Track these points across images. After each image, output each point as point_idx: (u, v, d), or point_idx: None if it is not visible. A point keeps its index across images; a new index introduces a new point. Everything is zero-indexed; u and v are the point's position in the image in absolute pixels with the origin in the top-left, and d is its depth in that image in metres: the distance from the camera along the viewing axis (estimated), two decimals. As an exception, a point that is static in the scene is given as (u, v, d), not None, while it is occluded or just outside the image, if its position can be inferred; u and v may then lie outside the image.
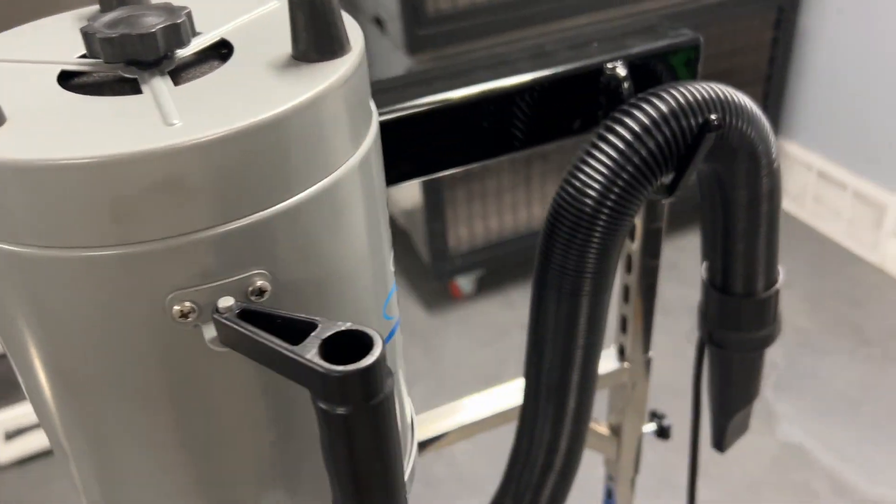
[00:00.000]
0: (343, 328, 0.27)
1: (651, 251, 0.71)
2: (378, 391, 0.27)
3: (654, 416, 0.86)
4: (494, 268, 2.62)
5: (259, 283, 0.30)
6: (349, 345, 0.27)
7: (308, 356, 0.26)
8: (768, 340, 0.70)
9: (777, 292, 0.68)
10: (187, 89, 0.32)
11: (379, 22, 2.29)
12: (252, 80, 0.31)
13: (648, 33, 0.59)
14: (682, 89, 0.54)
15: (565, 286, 0.57)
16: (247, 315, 0.29)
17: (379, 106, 0.50)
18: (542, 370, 0.62)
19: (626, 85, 0.56)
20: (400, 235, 2.98)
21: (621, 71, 0.56)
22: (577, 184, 0.54)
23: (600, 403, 0.93)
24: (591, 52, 0.57)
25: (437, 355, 2.39)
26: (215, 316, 0.29)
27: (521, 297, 2.59)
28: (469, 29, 2.14)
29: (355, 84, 0.33)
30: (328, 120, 0.31)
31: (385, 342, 0.39)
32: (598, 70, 0.57)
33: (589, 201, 0.54)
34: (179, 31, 0.31)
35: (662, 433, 0.84)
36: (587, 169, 0.54)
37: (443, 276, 2.45)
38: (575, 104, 0.58)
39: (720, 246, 0.65)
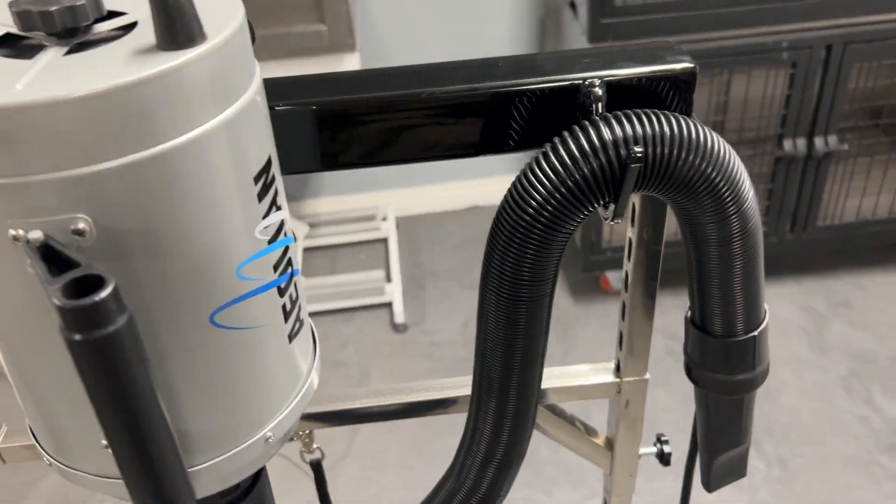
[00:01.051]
0: (89, 272, 0.33)
1: (650, 272, 0.70)
2: (105, 324, 0.33)
3: (659, 440, 0.84)
4: (649, 269, 2.55)
5: (80, 225, 0.37)
6: (94, 284, 0.33)
7: (52, 288, 0.33)
8: (748, 386, 0.66)
9: (757, 337, 0.64)
10: (66, 59, 0.39)
11: (573, 6, 2.29)
12: (113, 60, 0.38)
13: (644, 57, 0.58)
14: (621, 118, 0.53)
15: (503, 290, 0.59)
16: (46, 249, 0.36)
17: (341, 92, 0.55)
18: (485, 368, 0.64)
19: (599, 105, 0.56)
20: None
21: (598, 91, 0.56)
22: (517, 193, 0.56)
23: (601, 415, 0.92)
24: (576, 67, 0.57)
25: (570, 345, 2.39)
26: (24, 245, 0.36)
27: (671, 303, 2.50)
28: (653, 24, 2.08)
29: (193, 73, 0.38)
30: (151, 102, 0.37)
31: (237, 300, 0.44)
32: (576, 87, 0.57)
33: (527, 212, 0.55)
34: (76, 12, 0.39)
35: (662, 458, 0.82)
36: (528, 180, 0.55)
37: (591, 267, 2.43)
38: (550, 118, 0.58)
39: (695, 283, 0.62)
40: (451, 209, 3.03)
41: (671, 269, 2.55)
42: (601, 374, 0.77)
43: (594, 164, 0.53)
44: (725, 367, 0.65)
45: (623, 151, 0.52)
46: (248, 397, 0.48)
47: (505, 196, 0.57)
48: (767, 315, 0.66)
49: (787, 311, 2.49)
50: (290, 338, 0.50)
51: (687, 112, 0.59)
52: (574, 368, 0.78)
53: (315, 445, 0.79)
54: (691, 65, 0.58)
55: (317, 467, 0.81)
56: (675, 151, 0.53)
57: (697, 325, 0.65)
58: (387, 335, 2.50)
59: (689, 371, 0.69)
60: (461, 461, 0.69)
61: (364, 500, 1.97)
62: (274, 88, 0.57)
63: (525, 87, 0.58)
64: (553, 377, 0.77)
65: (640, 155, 0.52)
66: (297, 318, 0.51)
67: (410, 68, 0.59)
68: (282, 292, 0.48)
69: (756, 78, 2.22)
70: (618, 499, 0.85)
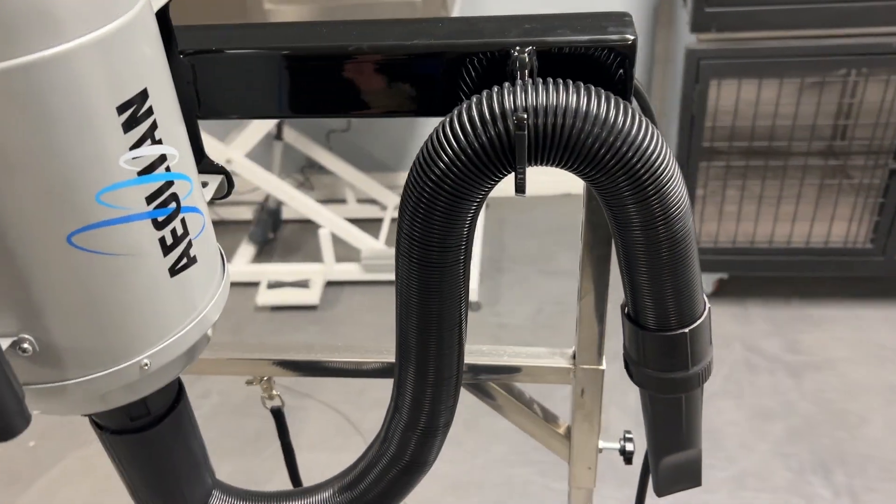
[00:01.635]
0: None
1: (601, 255, 0.66)
2: None
3: (624, 437, 0.80)
4: (738, 275, 2.41)
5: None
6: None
7: None
8: (684, 385, 0.61)
9: (691, 333, 0.59)
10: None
11: (683, -9, 2.19)
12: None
13: (584, 26, 0.54)
14: (520, 87, 0.50)
15: (414, 255, 0.57)
16: None
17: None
18: (403, 334, 0.63)
19: (526, 72, 0.53)
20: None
21: (526, 57, 0.53)
22: (422, 159, 0.54)
23: (565, 405, 0.88)
24: (512, 32, 0.55)
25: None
26: None
27: (759, 314, 2.36)
28: (761, 16, 1.95)
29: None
30: (16, 11, 0.38)
31: (98, 225, 0.46)
32: (507, 53, 0.54)
33: (431, 178, 0.54)
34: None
35: (624, 454, 0.78)
36: (433, 146, 0.53)
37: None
38: (485, 83, 0.56)
39: (624, 271, 0.58)
40: (543, 195, 2.98)
41: (761, 277, 2.41)
42: (557, 358, 0.74)
43: (492, 132, 0.51)
44: (659, 364, 0.61)
45: (511, 123, 0.50)
46: (118, 322, 0.49)
47: (414, 160, 0.56)
48: (708, 312, 0.61)
49: (890, 337, 2.29)
50: (173, 272, 0.51)
51: (625, 87, 0.56)
52: (532, 350, 0.76)
53: (275, 392, 0.81)
54: (630, 37, 0.54)
55: (277, 414, 0.83)
56: (574, 122, 0.50)
57: (631, 317, 0.61)
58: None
59: (627, 367, 0.65)
60: (386, 427, 0.69)
61: (408, 467, 2.00)
62: (217, 33, 0.59)
63: (459, 49, 0.56)
64: (508, 356, 0.75)
65: (523, 123, 0.49)
66: (185, 255, 0.52)
67: (347, 23, 0.58)
68: (159, 225, 0.49)
69: (875, 82, 2.04)
70: (577, 491, 0.82)
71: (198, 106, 0.59)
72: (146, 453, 0.62)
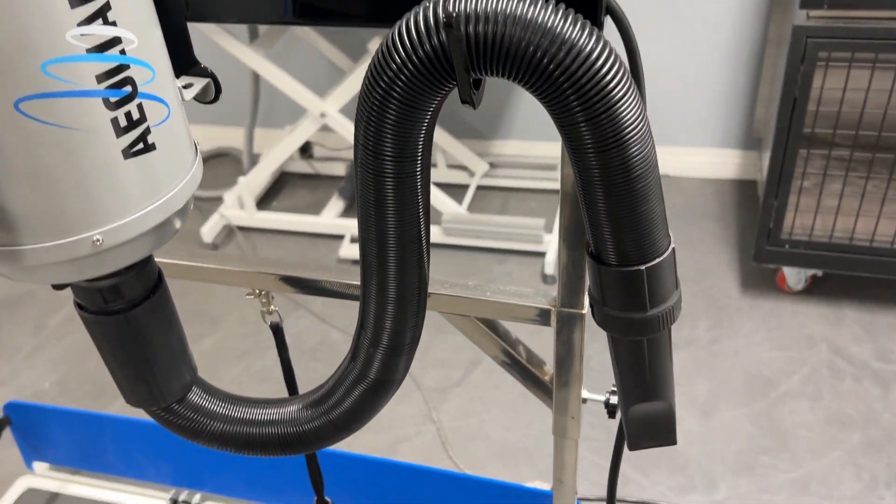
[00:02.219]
0: None
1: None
2: None
3: (611, 390, 0.77)
4: (833, 273, 2.25)
5: None
6: None
7: None
8: (643, 327, 0.58)
9: (650, 270, 0.56)
10: None
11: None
12: None
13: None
14: None
15: (368, 165, 0.57)
16: None
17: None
18: (364, 249, 0.63)
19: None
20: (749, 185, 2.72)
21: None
22: (373, 67, 0.53)
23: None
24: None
25: (722, 334, 2.21)
26: None
27: (851, 317, 2.20)
28: (878, -8, 1.80)
29: None
30: None
31: (44, 95, 0.49)
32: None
33: (380, 86, 0.53)
34: None
35: (608, 407, 0.75)
36: (382, 54, 0.52)
37: (764, 258, 2.20)
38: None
39: (582, 200, 0.55)
40: (638, 174, 2.89)
41: (858, 278, 2.24)
42: (538, 298, 0.72)
43: (435, 41, 0.50)
44: (617, 303, 0.58)
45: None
46: (68, 195, 0.52)
47: (367, 68, 0.55)
48: (671, 252, 0.58)
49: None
50: (127, 154, 0.53)
51: (593, 5, 0.52)
52: (515, 289, 0.74)
53: (273, 308, 0.83)
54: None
55: (276, 329, 0.85)
56: (516, 30, 0.48)
57: (592, 254, 0.58)
58: (534, 283, 2.47)
59: (591, 308, 0.62)
60: (353, 345, 0.69)
61: (462, 427, 2.01)
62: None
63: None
64: (492, 292, 0.73)
65: (456, 23, 0.48)
66: (142, 140, 0.54)
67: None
68: (112, 106, 0.51)
69: None
70: (560, 440, 0.79)
71: (186, 7, 0.61)
72: (121, 338, 0.65)
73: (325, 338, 2.30)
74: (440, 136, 2.72)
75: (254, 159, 2.83)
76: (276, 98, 2.96)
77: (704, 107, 2.68)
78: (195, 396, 0.72)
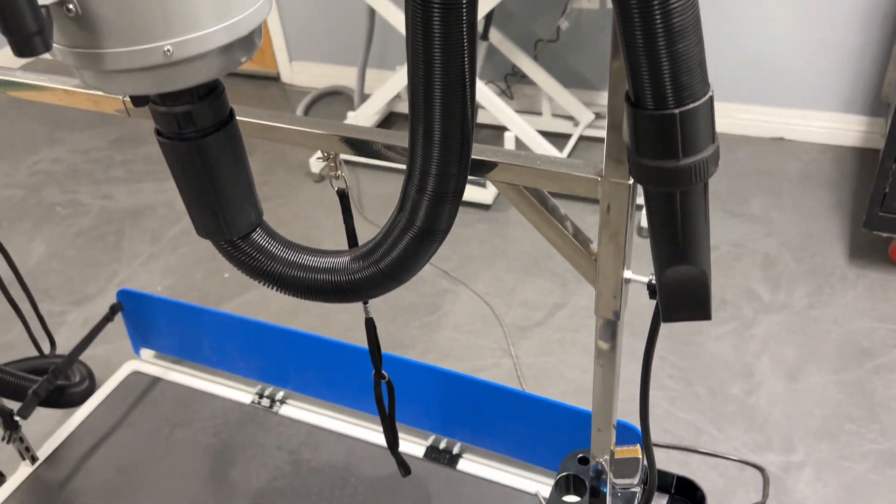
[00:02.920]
0: None
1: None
2: None
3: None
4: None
5: None
6: None
7: None
8: (674, 177, 0.57)
9: (685, 115, 0.55)
10: None
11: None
12: None
13: None
14: None
15: (417, -3, 0.59)
16: None
17: None
18: (413, 92, 0.65)
19: None
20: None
21: None
22: None
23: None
24: None
25: (822, 300, 2.11)
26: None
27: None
28: None
29: None
30: None
31: None
32: None
33: None
34: None
35: (651, 289, 0.75)
36: None
37: (875, 225, 2.09)
38: None
39: (622, 43, 0.55)
40: (751, 135, 2.77)
41: None
42: (585, 168, 0.73)
43: None
44: (650, 150, 0.58)
45: None
46: (147, 2, 0.58)
47: None
48: (709, 98, 0.57)
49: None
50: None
51: None
52: (563, 160, 0.75)
53: (341, 172, 0.87)
54: None
55: (342, 196, 0.89)
56: None
57: (629, 98, 0.58)
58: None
59: (629, 161, 0.62)
60: (402, 194, 0.72)
61: (539, 364, 2.02)
62: None
63: None
64: (537, 161, 0.75)
65: None
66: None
67: None
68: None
69: None
70: (602, 321, 0.80)
71: None
72: (192, 165, 0.71)
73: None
74: (549, 84, 2.71)
75: (364, 98, 2.92)
76: (389, 39, 3.03)
77: (829, 68, 2.54)
78: (259, 237, 0.78)
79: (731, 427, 1.81)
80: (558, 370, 2.01)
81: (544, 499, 0.92)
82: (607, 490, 0.92)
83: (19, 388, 1.65)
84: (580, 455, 1.00)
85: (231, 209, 0.75)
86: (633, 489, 0.97)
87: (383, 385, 1.01)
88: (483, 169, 0.76)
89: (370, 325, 0.97)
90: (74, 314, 2.31)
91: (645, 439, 0.82)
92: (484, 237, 2.48)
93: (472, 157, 0.74)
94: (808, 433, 1.77)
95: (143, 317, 1.80)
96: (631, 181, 0.70)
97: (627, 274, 0.76)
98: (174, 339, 1.80)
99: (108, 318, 1.76)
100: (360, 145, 0.82)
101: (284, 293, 0.80)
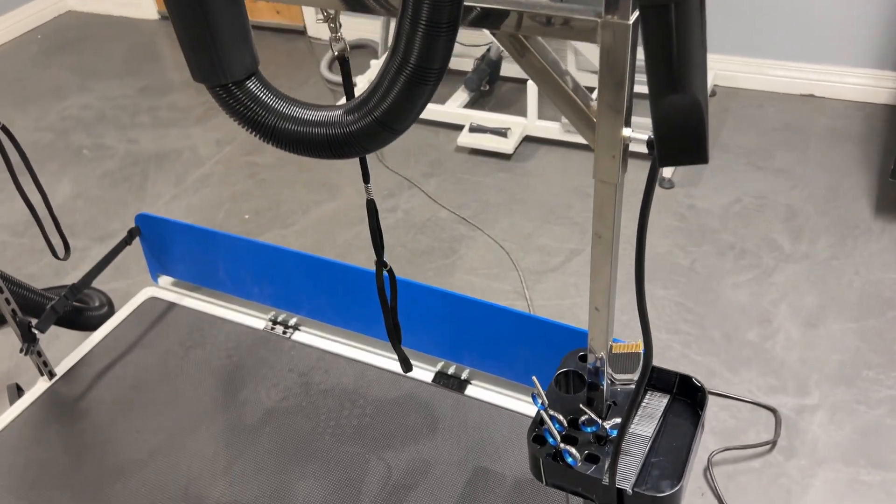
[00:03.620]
0: None
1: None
2: None
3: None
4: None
5: None
6: None
7: None
8: None
9: None
10: None
11: None
12: None
13: None
14: None
15: None
16: None
17: None
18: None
19: None
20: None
21: None
22: None
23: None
24: None
25: (845, 251, 2.07)
26: None
27: None
28: None
29: None
30: None
31: None
32: None
33: None
34: None
35: (650, 147, 0.73)
36: None
37: (903, 175, 2.04)
38: None
39: None
40: (780, 91, 2.72)
41: None
42: (585, 11, 0.71)
43: None
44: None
45: None
46: None
47: None
48: None
49: None
50: None
51: None
52: (561, 5, 0.73)
53: (340, 35, 0.86)
54: None
55: (343, 61, 0.88)
56: None
57: None
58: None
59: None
60: (396, 33, 0.70)
61: (553, 306, 2.02)
62: None
63: None
64: (538, 6, 0.73)
65: None
66: None
67: None
68: None
69: None
70: (602, 185, 0.79)
71: None
72: (184, 2, 0.71)
73: (434, 215, 2.36)
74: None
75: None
76: (416, -9, 3.01)
77: (862, 22, 2.47)
78: (254, 86, 0.77)
79: (746, 370, 1.79)
80: (572, 312, 2.00)
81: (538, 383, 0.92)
82: (605, 384, 0.92)
83: (38, 305, 1.69)
84: (581, 353, 0.99)
85: (225, 49, 0.74)
86: (632, 385, 0.96)
87: (385, 278, 1.01)
88: (484, 20, 0.75)
89: (371, 207, 0.96)
90: (97, 249, 2.35)
91: (643, 324, 0.81)
92: (503, 186, 2.46)
93: (471, 3, 0.73)
94: (824, 378, 1.75)
95: (160, 242, 1.82)
96: (631, 21, 0.68)
97: (627, 132, 0.75)
98: (191, 265, 1.82)
99: (125, 241, 1.78)
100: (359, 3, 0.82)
101: (279, 147, 0.79)
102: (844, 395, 1.71)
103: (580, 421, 0.90)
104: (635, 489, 0.83)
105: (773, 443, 1.62)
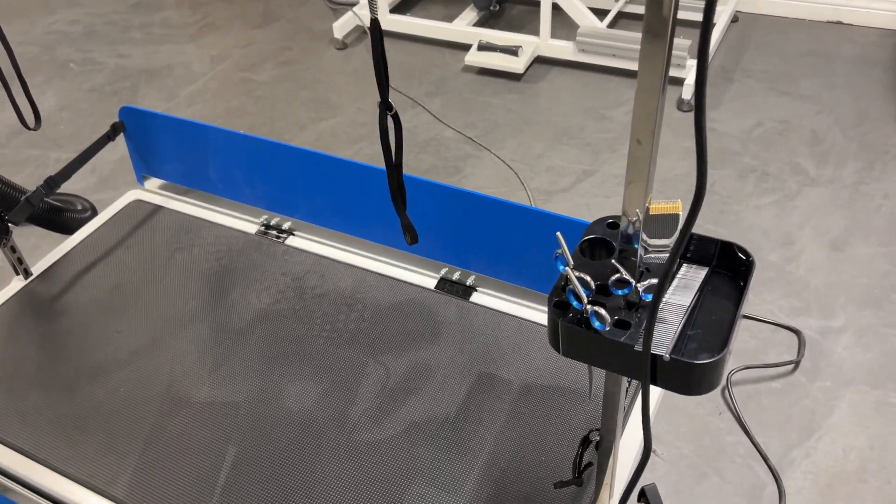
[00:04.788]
0: None
1: None
2: None
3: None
4: None
5: None
6: None
7: None
8: None
9: None
10: None
11: None
12: None
13: None
14: None
15: None
16: None
17: None
18: None
19: None
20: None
21: None
22: None
23: None
24: None
25: (871, 176, 1.96)
26: None
27: None
28: None
29: None
30: None
31: None
32: None
33: None
34: None
35: None
36: None
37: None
38: None
39: None
40: (806, 18, 2.58)
41: None
42: None
43: None
44: None
45: None
46: None
47: None
48: None
49: None
50: None
51: None
52: None
53: None
54: None
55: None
56: None
57: None
58: (668, 109, 2.29)
59: None
60: None
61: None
62: None
63: None
64: None
65: None
66: None
67: None
68: None
69: None
70: (654, 11, 0.67)
71: None
72: None
73: (438, 134, 2.24)
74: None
75: (394, -35, 2.76)
76: None
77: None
78: None
79: (768, 292, 1.68)
80: (584, 230, 1.88)
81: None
82: (638, 247, 0.81)
83: (13, 200, 1.57)
84: (609, 220, 0.88)
85: None
86: (667, 253, 0.86)
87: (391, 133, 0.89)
88: None
89: (375, 28, 0.82)
90: (83, 163, 2.22)
91: (699, 145, 0.68)
92: (512, 107, 2.34)
93: None
94: (850, 300, 1.65)
95: (146, 139, 1.70)
96: None
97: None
98: (179, 165, 1.70)
99: (108, 136, 1.66)
100: None
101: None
102: (872, 318, 1.61)
103: (610, 282, 0.79)
104: (673, 355, 0.72)
105: (797, 363, 1.52)
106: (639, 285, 0.78)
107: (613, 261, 0.81)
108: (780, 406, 1.45)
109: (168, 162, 1.70)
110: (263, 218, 1.66)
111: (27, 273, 1.56)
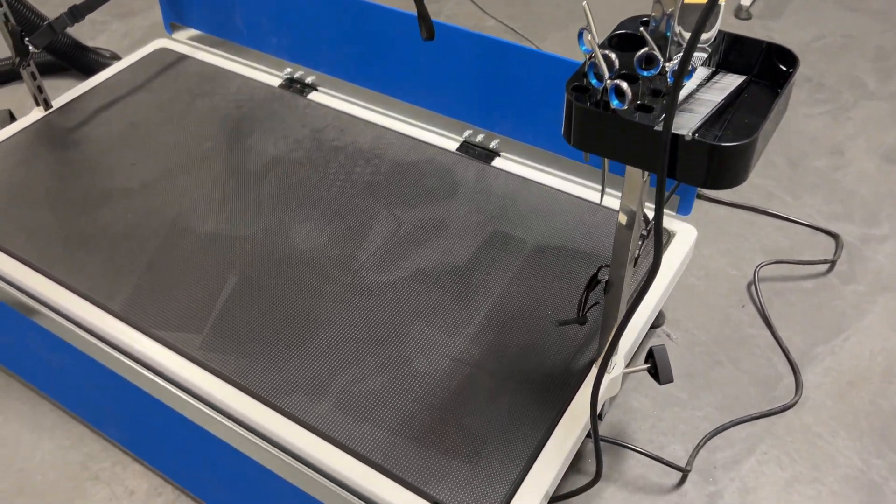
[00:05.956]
0: None
1: None
2: None
3: None
4: None
5: None
6: None
7: None
8: None
9: None
10: None
11: None
12: None
13: None
14: None
15: None
16: None
17: None
18: None
19: None
20: None
21: None
22: None
23: None
24: None
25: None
26: None
27: None
28: None
29: None
30: None
31: None
32: None
33: None
34: None
35: None
36: None
37: None
38: None
39: None
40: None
41: None
42: None
43: None
44: None
45: None
46: None
47: None
48: None
49: None
50: None
51: None
52: None
53: None
54: None
55: None
56: None
57: None
58: (725, 16, 2.18)
59: None
60: None
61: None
62: None
63: None
64: None
65: None
66: None
67: None
68: None
69: None
70: None
71: None
72: None
73: (479, 24, 2.16)
74: None
75: None
76: None
77: None
78: None
79: (809, 196, 1.60)
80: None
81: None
82: (671, 36, 0.75)
83: (33, 23, 1.55)
84: (643, 17, 0.82)
85: None
86: (708, 48, 0.79)
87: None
88: None
89: None
90: (116, 25, 2.20)
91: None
92: (560, 1, 2.25)
93: None
94: (896, 211, 1.56)
95: (176, -15, 1.66)
96: None
97: None
98: (206, 11, 1.66)
99: (138, -27, 1.62)
100: None
101: None
102: (919, 229, 1.52)
103: (636, 57, 0.73)
104: (695, 135, 0.67)
105: (833, 263, 1.45)
106: (667, 65, 0.72)
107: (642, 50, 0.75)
108: (808, 304, 1.39)
109: (196, 7, 1.66)
110: (287, 71, 1.62)
111: (47, 104, 1.55)
